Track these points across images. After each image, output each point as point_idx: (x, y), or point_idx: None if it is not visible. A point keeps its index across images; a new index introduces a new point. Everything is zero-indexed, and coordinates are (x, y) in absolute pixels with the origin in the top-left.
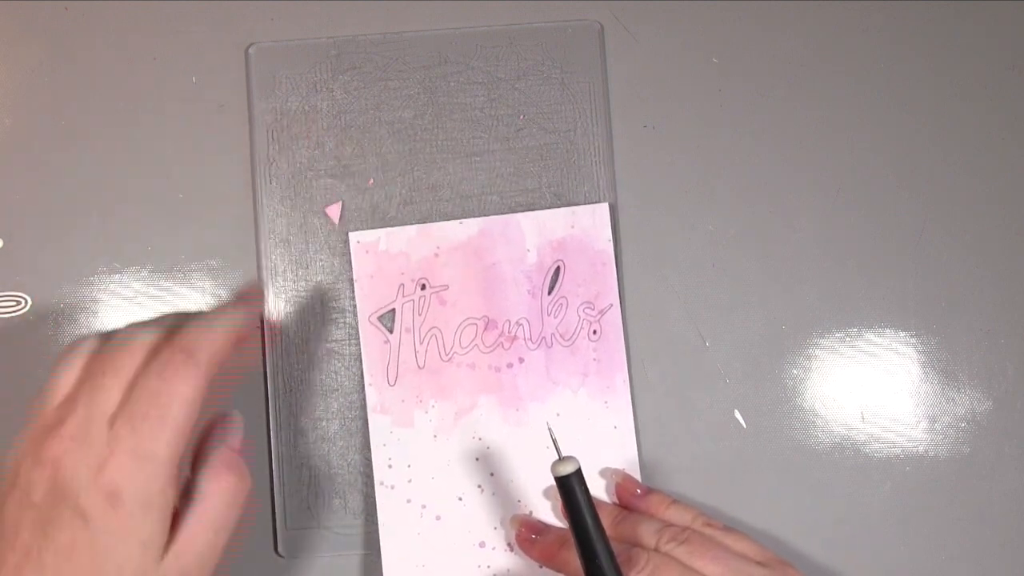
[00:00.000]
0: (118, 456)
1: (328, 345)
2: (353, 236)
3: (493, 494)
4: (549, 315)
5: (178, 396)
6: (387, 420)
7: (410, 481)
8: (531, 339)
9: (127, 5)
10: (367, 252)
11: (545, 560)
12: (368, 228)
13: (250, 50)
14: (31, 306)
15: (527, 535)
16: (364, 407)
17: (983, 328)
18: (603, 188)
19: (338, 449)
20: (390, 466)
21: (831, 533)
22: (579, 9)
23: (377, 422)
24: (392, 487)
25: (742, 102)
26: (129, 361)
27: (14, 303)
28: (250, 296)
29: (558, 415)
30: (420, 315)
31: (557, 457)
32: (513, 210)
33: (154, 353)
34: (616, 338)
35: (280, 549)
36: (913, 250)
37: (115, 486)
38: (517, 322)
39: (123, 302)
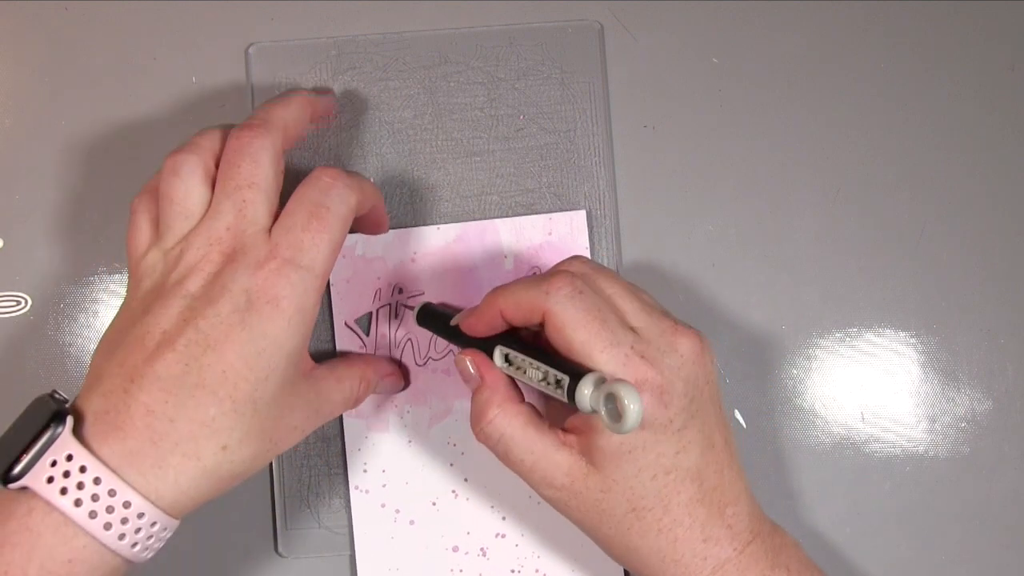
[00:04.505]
0: (280, 264)
1: (327, 346)
2: None
3: (467, 499)
4: None
5: (336, 211)
6: (362, 424)
7: (384, 486)
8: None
9: (127, 5)
10: (343, 257)
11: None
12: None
13: (250, 50)
14: (31, 306)
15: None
16: None
17: (983, 328)
18: (603, 188)
19: (337, 449)
20: (365, 471)
21: (831, 533)
22: (579, 9)
23: (352, 426)
24: (367, 491)
25: (742, 102)
26: (262, 172)
27: (14, 303)
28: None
29: None
30: (396, 319)
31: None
32: (513, 210)
33: (278, 156)
34: None
35: (280, 549)
36: (913, 250)
37: (275, 291)
38: None
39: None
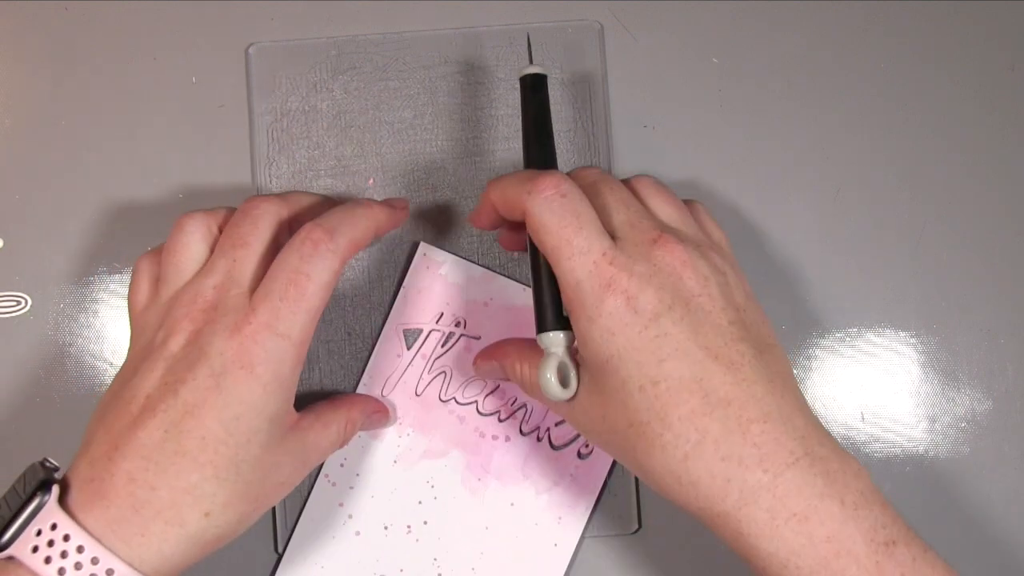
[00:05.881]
0: (255, 329)
1: (327, 345)
2: (423, 247)
3: (416, 540)
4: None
5: (316, 279)
6: None
7: (351, 488)
8: (526, 424)
9: (127, 5)
10: (427, 268)
11: (483, 357)
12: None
13: (250, 50)
14: (31, 306)
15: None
16: None
17: (983, 328)
18: None
19: None
20: (341, 465)
21: None
22: (579, 9)
23: None
24: (333, 484)
25: (742, 102)
26: (257, 235)
27: (14, 303)
28: (397, 204)
29: (512, 504)
30: (442, 348)
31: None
32: None
33: (280, 226)
34: (600, 471)
35: (280, 548)
36: (913, 250)
37: (250, 357)
38: (522, 403)
39: (123, 302)
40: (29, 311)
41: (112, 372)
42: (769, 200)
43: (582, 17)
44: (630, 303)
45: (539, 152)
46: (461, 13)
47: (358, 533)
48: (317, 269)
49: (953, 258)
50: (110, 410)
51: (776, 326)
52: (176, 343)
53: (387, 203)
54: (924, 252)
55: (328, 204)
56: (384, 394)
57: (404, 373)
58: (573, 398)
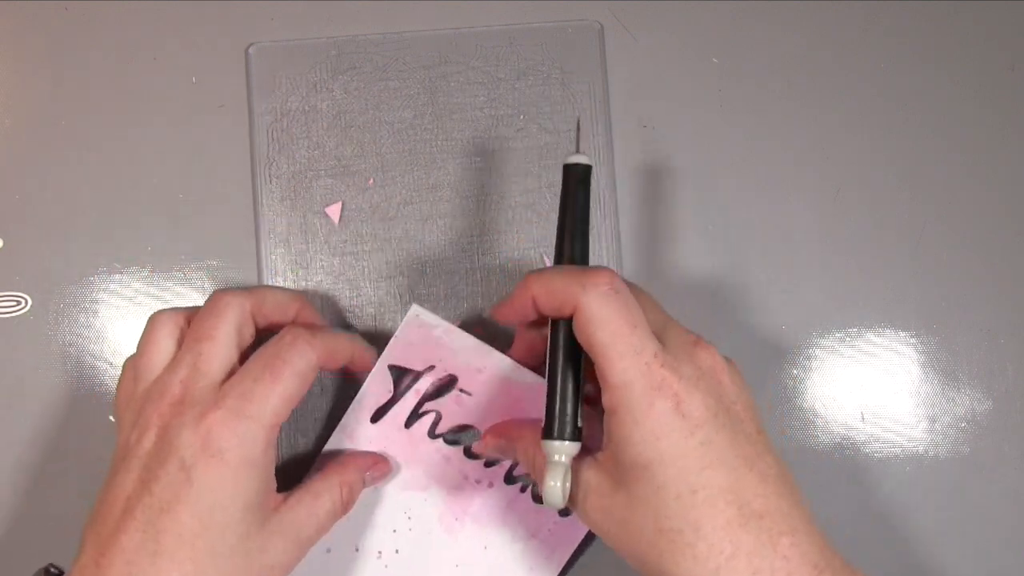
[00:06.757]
0: (224, 414)
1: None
2: (416, 308)
3: (385, 567)
4: None
5: (292, 365)
6: (349, 445)
7: None
8: (512, 473)
9: (127, 5)
10: (419, 327)
11: (497, 432)
12: (356, 226)
13: (250, 50)
14: (31, 306)
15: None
16: None
17: (983, 328)
18: (603, 188)
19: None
20: None
21: (831, 533)
22: (579, 9)
23: (337, 439)
24: None
25: (742, 102)
26: (222, 327)
27: (14, 303)
28: (367, 350)
29: (485, 548)
30: (434, 391)
31: (575, 150)
32: (514, 210)
33: (245, 318)
34: (579, 532)
35: None
36: (913, 250)
37: (219, 443)
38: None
39: (123, 302)
40: (29, 311)
41: (112, 372)
42: (769, 200)
43: (582, 17)
44: (679, 407)
45: (579, 247)
46: (461, 13)
47: (328, 550)
48: (295, 358)
49: (953, 258)
50: (98, 514)
51: (776, 326)
52: (148, 440)
53: (360, 343)
54: (924, 252)
55: (295, 298)
56: (372, 422)
57: (394, 406)
58: (574, 503)
